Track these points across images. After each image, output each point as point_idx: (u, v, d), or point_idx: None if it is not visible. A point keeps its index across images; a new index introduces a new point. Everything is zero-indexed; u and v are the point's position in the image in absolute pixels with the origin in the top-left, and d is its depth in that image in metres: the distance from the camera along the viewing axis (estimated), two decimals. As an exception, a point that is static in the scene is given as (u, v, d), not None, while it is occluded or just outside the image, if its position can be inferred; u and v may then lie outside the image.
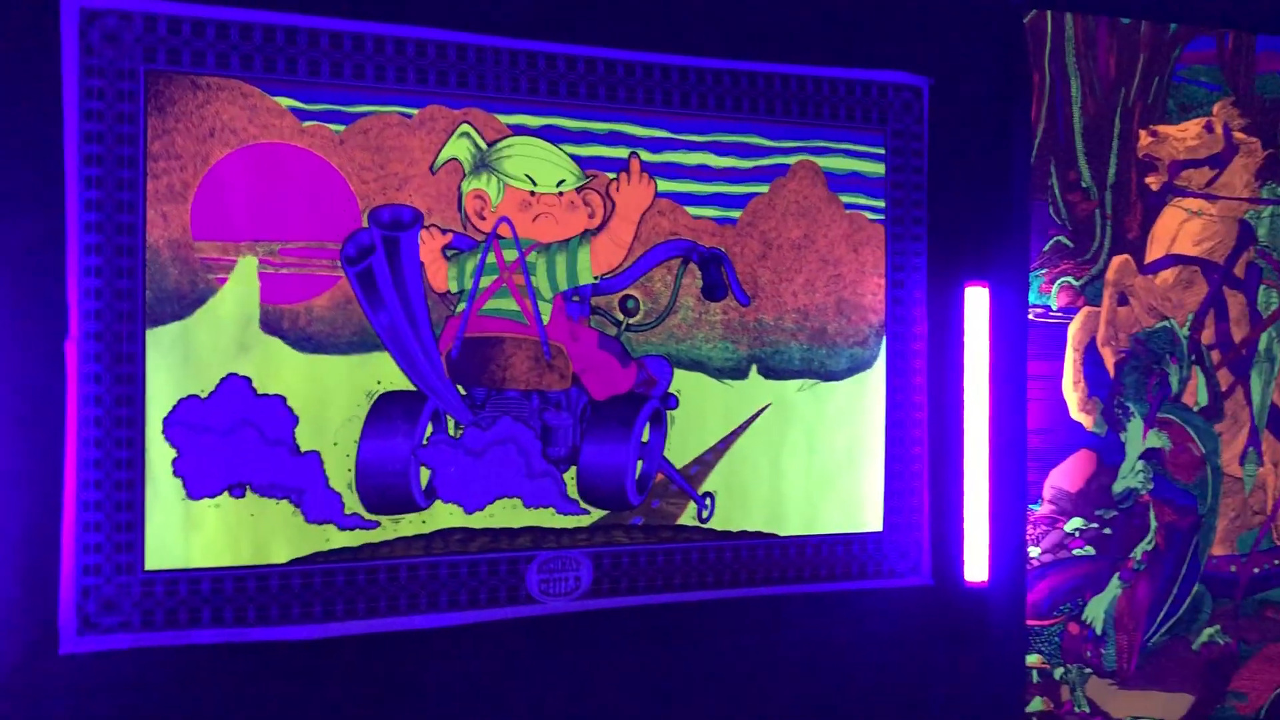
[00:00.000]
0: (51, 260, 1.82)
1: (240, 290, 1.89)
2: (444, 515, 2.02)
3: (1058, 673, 2.39)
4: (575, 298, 2.08)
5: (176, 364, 1.86)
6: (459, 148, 2.00)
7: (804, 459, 2.25)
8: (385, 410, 1.97)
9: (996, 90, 2.35)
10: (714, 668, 2.21)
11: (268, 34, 1.91)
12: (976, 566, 2.35)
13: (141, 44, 1.85)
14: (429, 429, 2.01)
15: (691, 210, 2.17)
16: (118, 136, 1.84)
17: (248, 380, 1.90)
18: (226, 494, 1.89)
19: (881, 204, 2.30)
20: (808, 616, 2.26)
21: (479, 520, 2.03)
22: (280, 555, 1.92)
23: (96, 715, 1.85)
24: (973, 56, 2.34)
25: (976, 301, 2.35)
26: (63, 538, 1.81)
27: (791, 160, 2.24)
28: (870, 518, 2.31)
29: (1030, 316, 2.35)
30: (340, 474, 1.95)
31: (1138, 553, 2.41)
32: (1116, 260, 2.39)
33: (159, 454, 1.86)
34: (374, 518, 1.97)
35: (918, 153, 2.32)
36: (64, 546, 1.81)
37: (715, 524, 2.19)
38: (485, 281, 2.02)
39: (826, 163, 2.26)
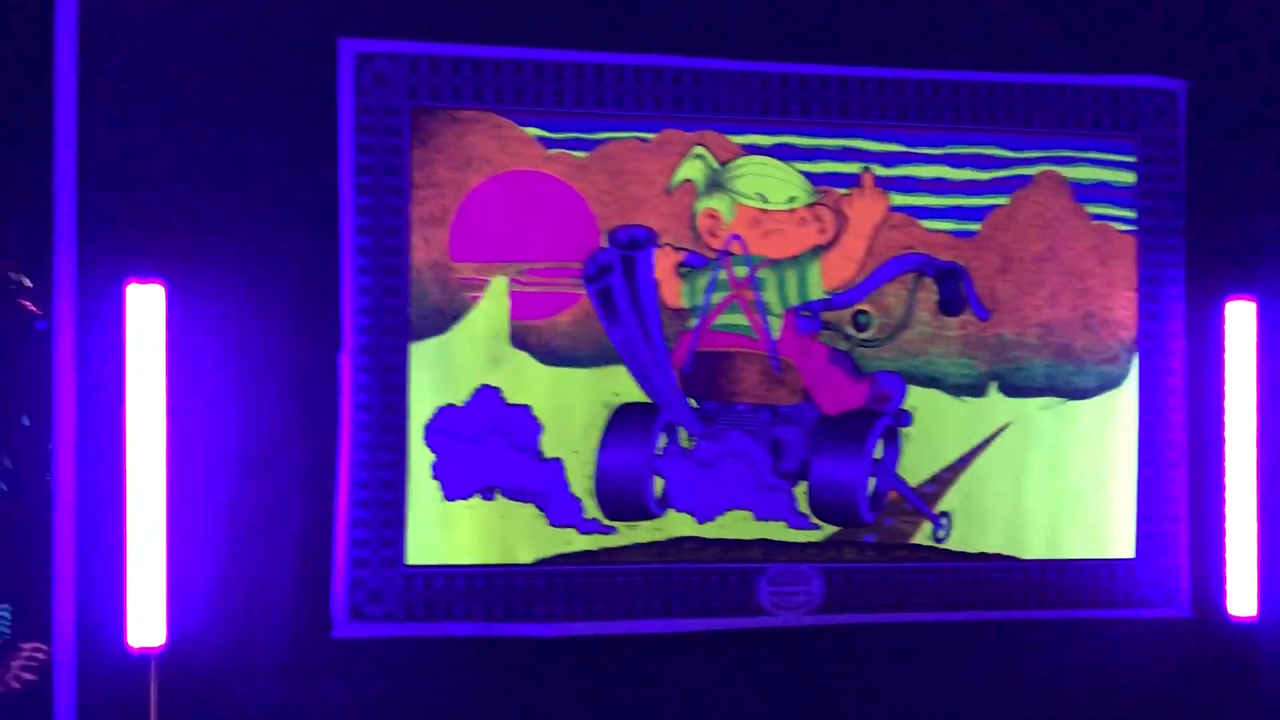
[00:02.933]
0: (325, 281, 2.00)
1: (492, 307, 2.03)
2: (677, 524, 2.08)
3: (1339, 720, 2.19)
4: (805, 313, 2.10)
5: (436, 375, 2.02)
6: (693, 169, 2.07)
7: (1047, 479, 2.17)
8: (622, 421, 2.06)
9: (1262, 92, 2.20)
10: (947, 690, 2.16)
11: (517, 68, 2.05)
12: (1243, 599, 2.19)
13: (407, 83, 2.03)
14: (663, 440, 2.08)
15: (926, 224, 2.15)
16: (386, 168, 2.02)
17: (498, 391, 2.03)
18: (478, 496, 2.02)
19: (1132, 214, 2.20)
20: (1050, 643, 2.18)
21: (710, 530, 2.08)
22: (526, 555, 2.03)
23: (365, 695, 2.01)
24: (1235, 57, 2.20)
25: (1241, 316, 2.20)
26: (335, 534, 1.99)
27: (1034, 171, 2.18)
28: (1120, 543, 2.20)
29: (1303, 331, 2.18)
30: (580, 480, 2.05)
31: None
32: None
33: (420, 458, 2.01)
34: (611, 523, 2.06)
35: (1172, 160, 2.21)
36: (336, 542, 1.99)
37: (952, 544, 2.15)
38: (717, 297, 2.08)
39: (1072, 172, 2.19)
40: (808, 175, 2.11)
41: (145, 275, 1.92)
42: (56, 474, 1.91)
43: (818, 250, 2.11)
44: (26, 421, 1.91)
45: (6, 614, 1.90)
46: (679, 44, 2.09)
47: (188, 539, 1.94)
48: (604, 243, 2.07)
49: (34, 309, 1.92)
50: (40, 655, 1.90)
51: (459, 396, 2.03)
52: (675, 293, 2.09)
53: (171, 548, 1.92)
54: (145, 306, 1.91)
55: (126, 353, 1.90)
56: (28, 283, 1.92)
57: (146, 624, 1.89)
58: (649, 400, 2.08)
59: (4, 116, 1.93)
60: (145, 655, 1.90)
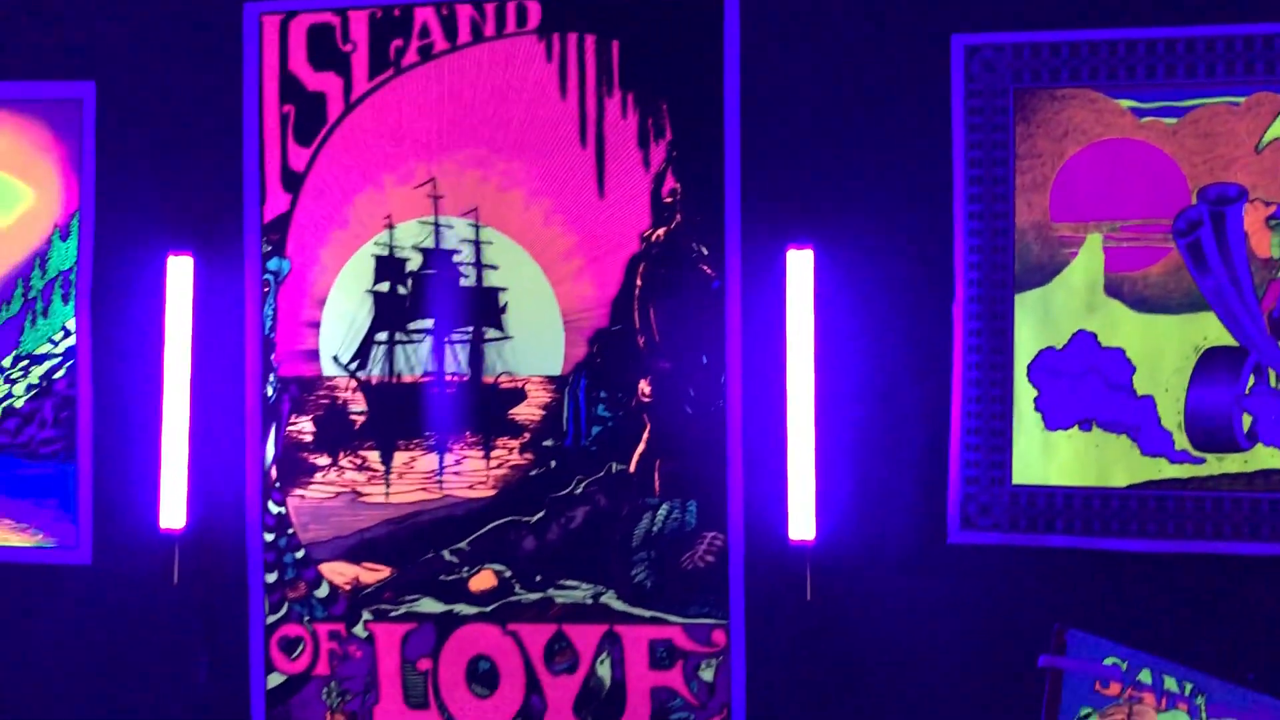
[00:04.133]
0: (941, 242, 2.37)
1: (1088, 261, 2.31)
2: (1265, 457, 2.27)
3: None
4: None
5: (1037, 322, 2.33)
6: (1286, 127, 2.23)
7: None
8: (1210, 363, 2.27)
9: None
10: None
11: (1110, 48, 2.30)
12: None
13: (1011, 68, 2.34)
14: (1251, 380, 2.27)
15: None
16: (993, 143, 2.34)
17: (1093, 335, 2.31)
18: (1076, 427, 2.32)
19: None
20: None
21: (1300, 464, 2.25)
22: (1119, 480, 2.30)
23: (970, 595, 2.37)
24: None
25: None
26: (950, 456, 2.36)
27: None
28: None
29: None
30: (1171, 415, 2.29)
31: None
32: None
33: (1024, 393, 2.34)
34: (1200, 454, 2.28)
35: None
36: (951, 463, 2.36)
37: None
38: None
39: None
40: None
41: (799, 242, 2.36)
42: (728, 400, 2.41)
43: None
44: (704, 360, 2.41)
45: (693, 508, 2.42)
46: (1271, 11, 2.25)
47: (831, 454, 2.37)
48: (1194, 200, 2.28)
49: (710, 272, 2.42)
50: (718, 542, 2.41)
51: (1058, 340, 2.33)
52: (1265, 244, 2.27)
53: (818, 460, 2.36)
54: (800, 268, 2.35)
55: (787, 304, 2.36)
56: (705, 251, 2.41)
57: (801, 521, 2.34)
58: (1237, 344, 2.27)
59: (683, 114, 2.42)
60: (800, 546, 2.35)
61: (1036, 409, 2.34)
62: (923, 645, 2.38)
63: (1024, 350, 2.34)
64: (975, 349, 2.36)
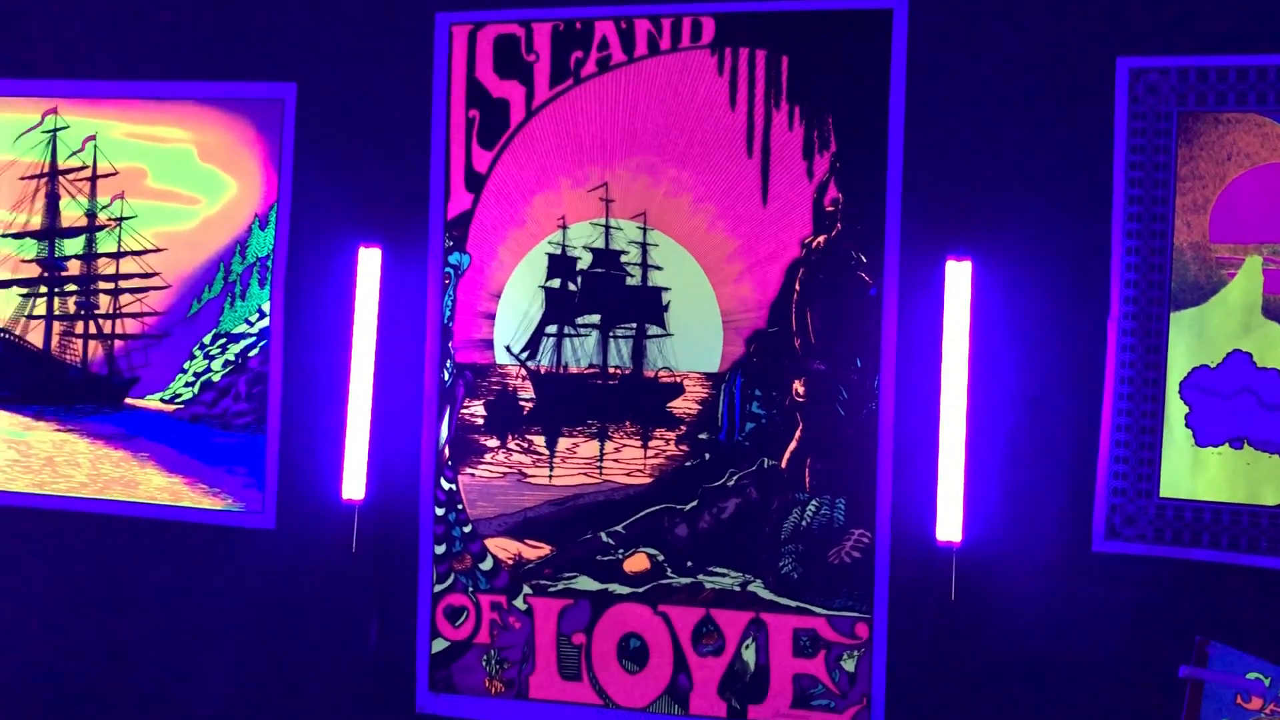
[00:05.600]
0: (1098, 259, 2.43)
1: (1247, 283, 2.35)
2: None
3: None
4: None
5: (1192, 339, 2.38)
6: None
7: None
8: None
9: None
10: None
11: (1279, 73, 2.34)
12: None
13: (1175, 92, 2.39)
14: None
15: None
16: (1154, 164, 2.40)
17: (1249, 356, 2.36)
18: (1227, 445, 2.37)
19: None
20: None
21: None
22: (1270, 498, 2.35)
23: (1114, 601, 2.44)
24: None
25: None
26: (1098, 467, 2.43)
27: None
28: None
29: None
30: (1329, 437, 2.32)
31: None
32: None
33: (1175, 409, 2.39)
34: (1353, 478, 2.31)
35: None
36: (1099, 473, 2.43)
37: None
38: None
39: None
40: None
41: (958, 253, 2.46)
42: (881, 402, 2.51)
43: None
44: (859, 363, 2.52)
45: (842, 505, 2.53)
46: None
47: (980, 459, 2.46)
48: (1359, 226, 2.31)
49: (867, 279, 2.53)
50: (865, 539, 2.52)
51: (1212, 359, 2.38)
52: None
53: (968, 465, 2.45)
54: (958, 279, 2.45)
55: (944, 313, 2.45)
56: (864, 259, 2.52)
57: (949, 523, 2.44)
58: (1397, 369, 2.29)
59: (848, 127, 2.53)
60: (947, 547, 2.44)
61: (1187, 425, 2.39)
62: (1063, 650, 2.45)
63: (1177, 367, 2.40)
64: (1128, 364, 2.42)
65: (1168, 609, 2.41)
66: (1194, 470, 2.39)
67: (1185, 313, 2.40)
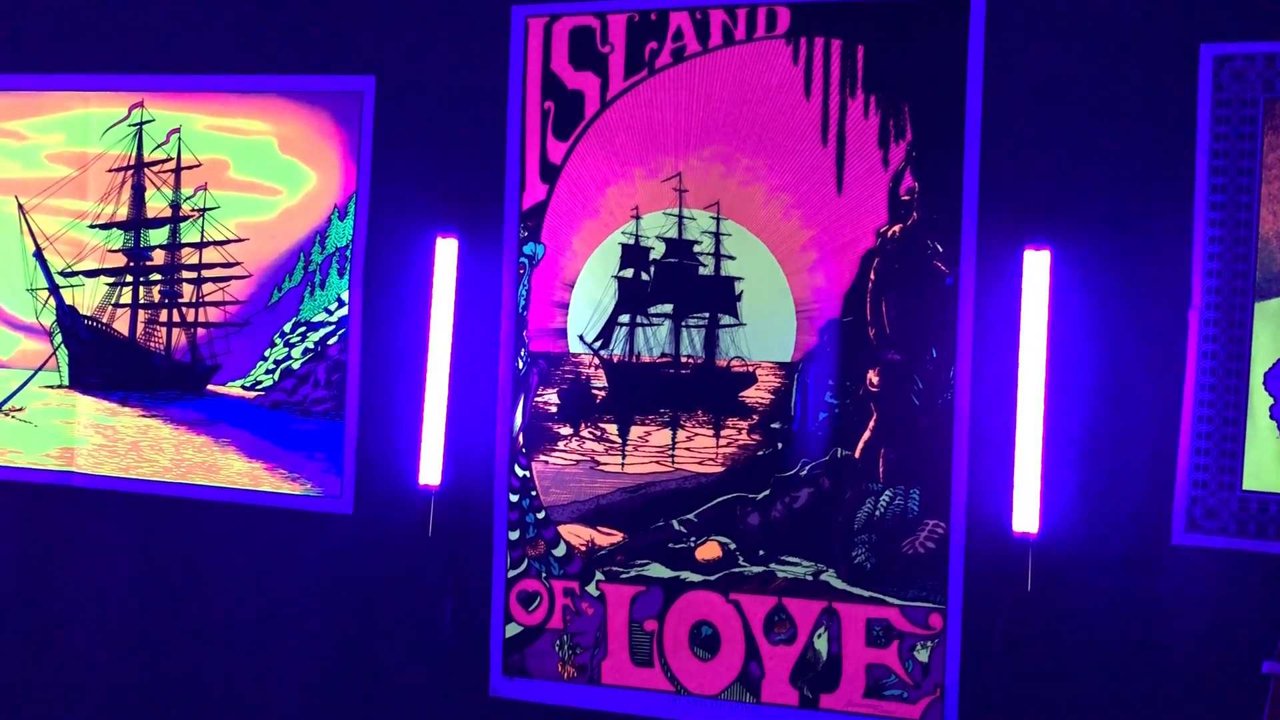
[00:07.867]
0: (1180, 248, 2.40)
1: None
2: None
3: None
4: None
5: (1277, 330, 2.34)
6: None
7: None
8: None
9: None
10: None
11: (1369, 59, 2.30)
12: None
13: (1262, 78, 2.36)
14: None
15: None
16: (1239, 151, 2.37)
17: (1337, 346, 2.32)
18: (1316, 437, 2.33)
19: None
20: None
21: None
22: (1358, 492, 2.31)
23: (1194, 595, 2.41)
24: None
25: None
26: (1179, 459, 2.40)
27: None
28: None
29: None
30: None
31: None
32: None
33: (1259, 400, 2.36)
34: None
35: None
36: (1179, 465, 2.40)
37: None
38: None
39: None
40: None
41: (1036, 243, 2.44)
42: (957, 393, 2.51)
43: None
44: (934, 353, 2.51)
45: (916, 495, 2.53)
46: None
47: (1057, 450, 2.44)
48: None
49: (944, 269, 2.52)
50: (939, 530, 2.51)
51: (1298, 350, 2.34)
52: None
53: (1046, 456, 2.43)
54: (1036, 268, 2.43)
55: (1022, 303, 2.44)
56: (940, 249, 2.51)
57: (1026, 514, 2.42)
58: None
59: (924, 116, 2.52)
60: (1024, 539, 2.43)
61: (1271, 417, 2.36)
62: (1141, 645, 2.43)
63: (1261, 358, 2.36)
64: (1210, 355, 2.39)
65: (1250, 603, 2.38)
66: (1278, 463, 2.35)
67: (1270, 303, 2.36)
